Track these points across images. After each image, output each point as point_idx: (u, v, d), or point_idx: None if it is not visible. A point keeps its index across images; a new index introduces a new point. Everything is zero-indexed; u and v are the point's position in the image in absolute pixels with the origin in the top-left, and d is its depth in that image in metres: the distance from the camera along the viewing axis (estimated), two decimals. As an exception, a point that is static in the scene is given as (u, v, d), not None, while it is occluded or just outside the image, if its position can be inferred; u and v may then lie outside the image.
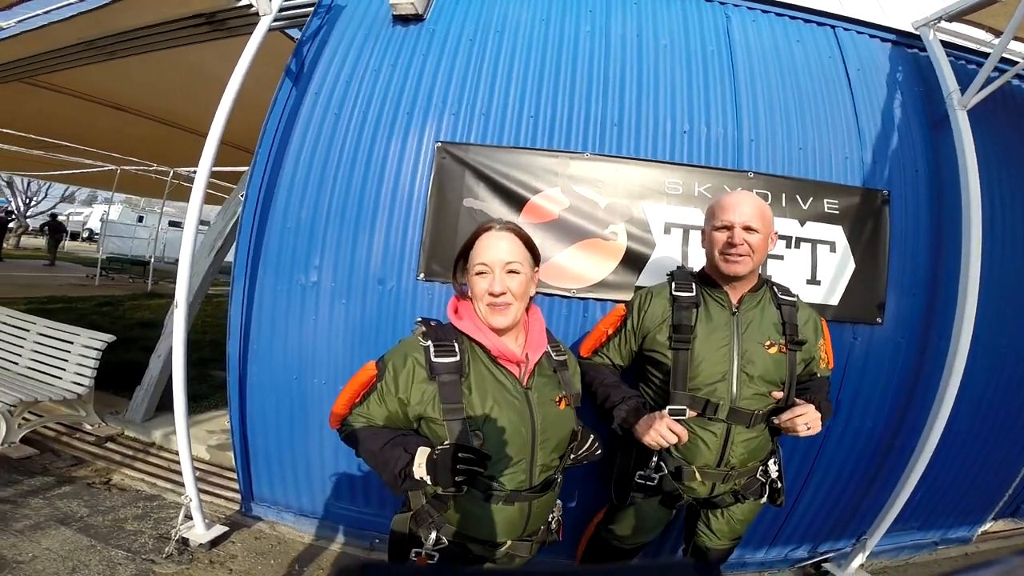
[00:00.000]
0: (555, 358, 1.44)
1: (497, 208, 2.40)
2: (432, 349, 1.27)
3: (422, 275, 2.41)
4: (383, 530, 2.53)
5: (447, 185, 2.43)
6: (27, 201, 23.60)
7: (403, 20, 2.73)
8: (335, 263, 2.49)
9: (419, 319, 1.35)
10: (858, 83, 2.70)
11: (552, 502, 1.43)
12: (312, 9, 2.87)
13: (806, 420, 1.55)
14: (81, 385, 3.44)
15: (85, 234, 24.73)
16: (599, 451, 1.48)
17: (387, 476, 1.22)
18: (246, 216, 2.60)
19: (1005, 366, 2.68)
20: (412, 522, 1.34)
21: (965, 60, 2.84)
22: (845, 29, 2.84)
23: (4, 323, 3.84)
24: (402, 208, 2.48)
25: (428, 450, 1.19)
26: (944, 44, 2.68)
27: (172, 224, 18.98)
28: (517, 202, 2.39)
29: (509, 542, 1.34)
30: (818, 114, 2.61)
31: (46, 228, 15.68)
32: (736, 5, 2.84)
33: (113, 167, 9.69)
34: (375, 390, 1.30)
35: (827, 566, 2.69)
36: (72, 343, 3.58)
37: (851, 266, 2.42)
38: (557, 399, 1.35)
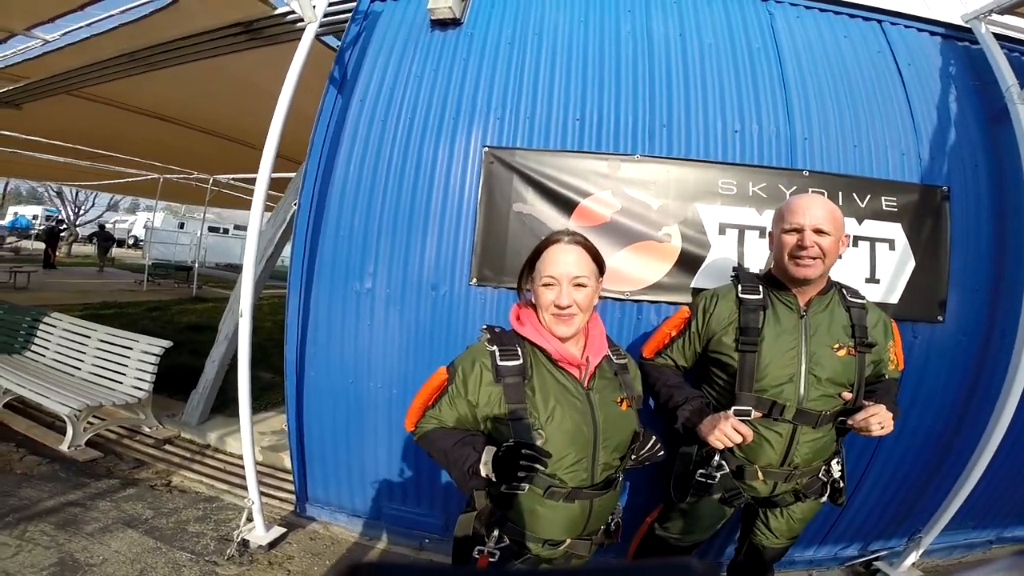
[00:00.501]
0: (616, 362, 1.43)
1: (547, 212, 2.34)
2: (498, 354, 1.29)
3: (474, 280, 2.36)
4: (432, 530, 2.56)
5: (496, 190, 2.37)
6: (76, 210, 24.31)
7: (441, 25, 2.67)
8: (388, 269, 2.46)
9: (485, 326, 1.38)
10: (910, 77, 2.56)
11: (613, 502, 1.41)
12: (350, 16, 2.83)
13: (879, 420, 1.50)
14: (141, 389, 3.50)
15: (131, 241, 25.37)
16: (661, 452, 1.44)
17: (456, 474, 1.25)
18: (299, 225, 2.58)
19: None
20: (476, 521, 1.34)
21: (1020, 52, 2.67)
22: (892, 23, 2.70)
23: (68, 330, 3.92)
24: (452, 214, 2.43)
25: (494, 449, 1.20)
26: (996, 37, 2.52)
27: (211, 230, 19.32)
28: (567, 206, 2.33)
29: (569, 540, 1.33)
30: (871, 110, 2.48)
31: (95, 237, 16.08)
32: (779, 2, 2.71)
33: (156, 176, 9.86)
34: (446, 393, 1.33)
35: (878, 564, 2.58)
36: (131, 348, 3.65)
37: (911, 264, 2.30)
38: (619, 400, 1.36)
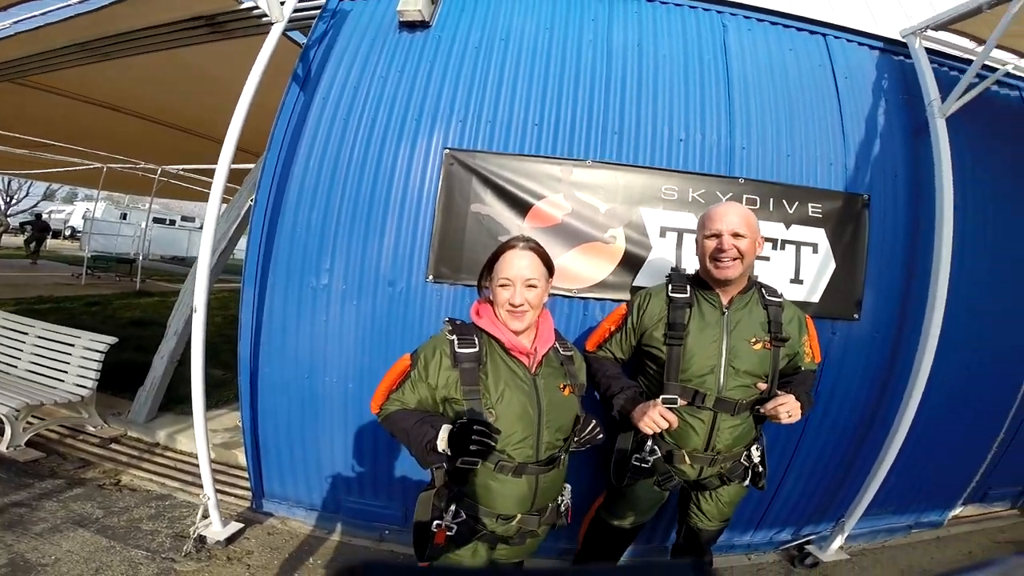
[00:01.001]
0: (562, 353, 1.64)
1: (503, 213, 2.51)
2: (456, 341, 1.49)
3: (431, 277, 2.51)
4: (392, 521, 2.69)
5: (455, 191, 2.53)
6: (8, 200, 23.03)
7: (409, 26, 2.79)
8: (346, 266, 2.57)
9: (447, 319, 1.57)
10: (845, 90, 2.83)
11: (558, 481, 1.60)
12: (317, 13, 2.93)
13: (787, 408, 1.71)
14: (85, 387, 3.47)
15: (67, 232, 24.17)
16: (600, 435, 1.62)
17: (416, 449, 1.42)
18: (256, 220, 2.66)
19: (972, 361, 2.87)
20: (435, 497, 1.51)
21: (949, 67, 2.97)
22: (836, 37, 2.96)
23: (2, 326, 3.81)
24: (411, 212, 2.56)
25: (450, 426, 1.37)
26: (930, 52, 2.80)
27: (157, 221, 18.65)
28: (522, 208, 2.50)
29: (519, 515, 1.51)
30: (806, 121, 2.75)
31: (29, 227, 15.29)
32: (733, 14, 2.94)
33: (99, 165, 9.52)
34: (409, 378, 1.51)
35: (809, 548, 2.83)
36: (73, 345, 3.59)
37: (832, 266, 2.58)
38: (562, 386, 1.56)
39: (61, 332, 3.67)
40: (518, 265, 1.49)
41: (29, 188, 23.33)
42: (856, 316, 2.61)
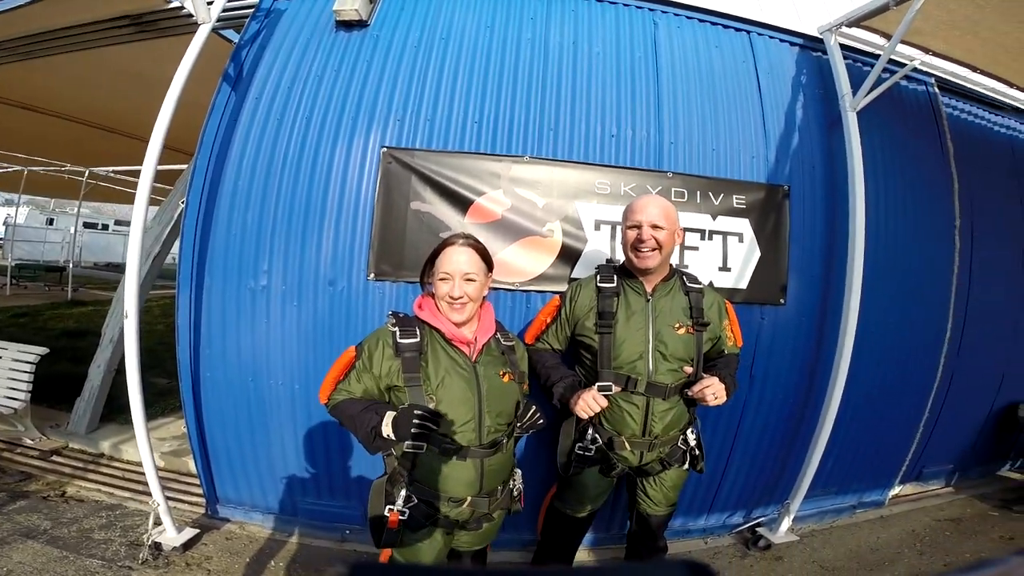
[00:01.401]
0: (503, 343, 1.76)
1: (443, 210, 2.61)
2: (398, 332, 1.60)
3: (372, 275, 2.59)
4: (353, 521, 2.76)
5: (394, 189, 2.61)
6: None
7: (346, 26, 2.83)
8: (284, 267, 2.62)
9: (390, 312, 1.69)
10: (767, 86, 3.04)
11: (505, 464, 1.71)
12: (251, 12, 2.93)
13: (712, 391, 1.84)
14: (16, 400, 3.40)
15: (-14, 239, 22.71)
16: (541, 420, 1.74)
17: (361, 435, 1.53)
18: (188, 223, 2.67)
19: (896, 340, 3.14)
20: (388, 483, 1.62)
21: (863, 63, 3.22)
22: (759, 34, 3.16)
23: (-80, 341, 3.68)
24: (349, 211, 2.63)
25: (394, 413, 1.48)
26: (845, 48, 3.03)
27: (87, 226, 17.80)
28: (463, 204, 2.61)
29: (469, 498, 1.62)
30: (730, 116, 2.95)
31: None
32: (664, 12, 3.10)
33: (19, 168, 9.06)
34: (354, 369, 1.62)
35: (760, 530, 2.98)
36: (1, 357, 3.50)
37: (757, 254, 2.79)
38: (502, 373, 1.68)
39: (-15, 345, 3.58)
40: (457, 260, 1.62)
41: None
42: (782, 301, 2.84)
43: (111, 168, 9.28)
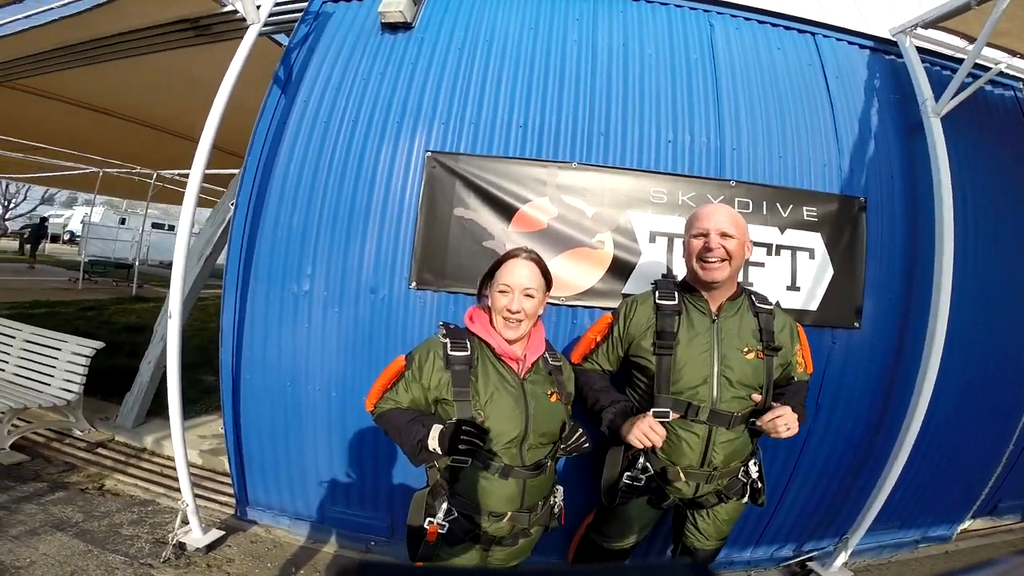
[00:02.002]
0: (551, 362, 1.70)
1: (487, 218, 2.48)
2: (449, 344, 1.56)
3: (414, 283, 2.48)
4: (378, 533, 2.66)
5: (438, 195, 2.50)
6: (6, 204, 23.32)
7: (391, 28, 2.79)
8: (327, 272, 2.56)
9: (441, 322, 1.66)
10: (837, 90, 2.80)
11: (546, 483, 1.65)
12: (300, 16, 2.93)
13: (785, 421, 1.65)
14: (71, 391, 3.48)
15: (66, 236, 24.46)
16: (587, 443, 1.65)
17: (408, 447, 1.49)
18: (236, 225, 2.66)
19: (981, 367, 2.80)
20: (429, 496, 1.58)
21: (940, 67, 2.94)
22: (824, 36, 2.94)
23: (-9, 330, 3.85)
24: (393, 217, 2.54)
25: (440, 427, 1.45)
26: (920, 51, 2.77)
27: (155, 226, 18.81)
28: (507, 212, 2.48)
29: (510, 513, 1.57)
30: (798, 122, 2.71)
31: (27, 230, 15.46)
32: (720, 13, 2.92)
33: (95, 169, 9.61)
34: (403, 378, 1.59)
35: (812, 565, 2.76)
36: (60, 349, 3.61)
37: (829, 272, 2.52)
38: (549, 392, 1.62)
39: (48, 336, 3.70)
40: (519, 274, 1.57)
41: (27, 192, 23.61)
42: (856, 324, 2.55)
43: (176, 171, 9.72)
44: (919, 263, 2.64)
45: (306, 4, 2.93)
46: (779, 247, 2.49)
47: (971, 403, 2.83)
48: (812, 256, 2.51)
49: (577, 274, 2.45)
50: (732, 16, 2.93)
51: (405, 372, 1.59)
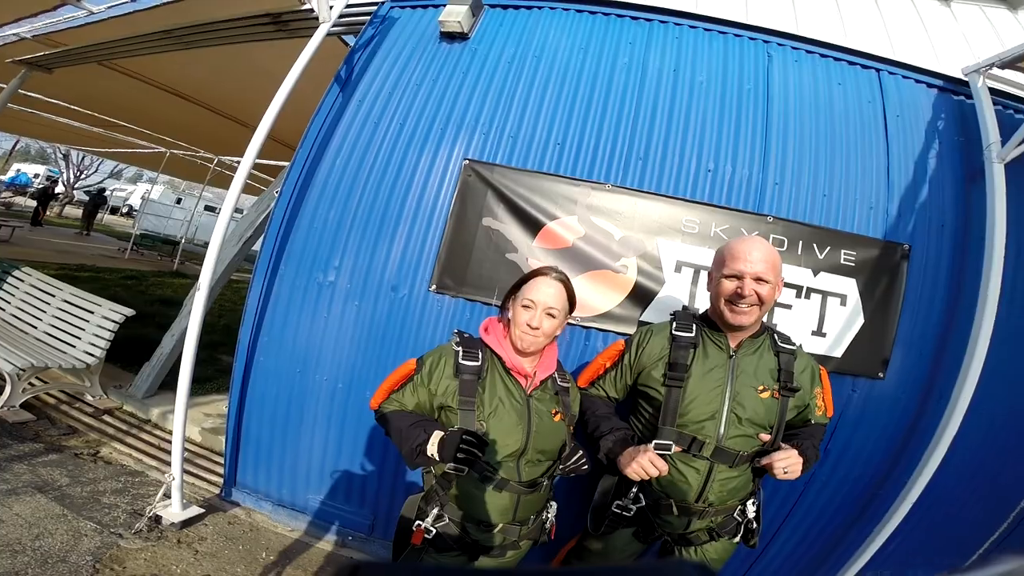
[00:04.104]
0: (559, 383, 1.68)
1: (514, 231, 2.46)
2: (461, 353, 1.56)
3: (434, 287, 2.48)
4: (358, 528, 2.64)
5: (469, 202, 2.51)
6: (78, 174, 24.57)
7: (449, 37, 2.86)
8: (354, 265, 2.58)
9: (456, 331, 1.65)
10: (895, 130, 2.67)
11: (540, 500, 1.64)
12: (368, 19, 3.03)
13: (784, 464, 1.55)
14: (92, 356, 3.52)
15: (125, 209, 25.60)
16: (585, 465, 1.62)
17: (405, 450, 1.48)
18: (277, 211, 2.72)
19: (999, 434, 2.55)
20: (422, 500, 1.59)
21: (1014, 110, 2.75)
22: (890, 73, 2.81)
23: (34, 286, 3.95)
24: (424, 220, 2.56)
25: (442, 433, 1.44)
26: (995, 92, 2.59)
27: (208, 209, 19.50)
28: (534, 226, 2.45)
29: (501, 524, 1.56)
30: (848, 160, 2.59)
31: (90, 199, 16.19)
32: (780, 44, 2.84)
33: (163, 149, 10.05)
34: (411, 381, 1.59)
35: None
36: (92, 312, 3.66)
37: (860, 321, 2.38)
38: (553, 412, 1.61)
39: (84, 298, 3.76)
40: (545, 292, 1.56)
41: (99, 166, 24.84)
42: (881, 375, 2.39)
43: (236, 158, 10.11)
44: (958, 318, 2.44)
45: (375, 8, 3.02)
46: (810, 290, 2.37)
47: (983, 467, 2.57)
48: (844, 303, 2.38)
49: (596, 296, 2.39)
50: (793, 48, 2.85)
51: (414, 376, 1.58)
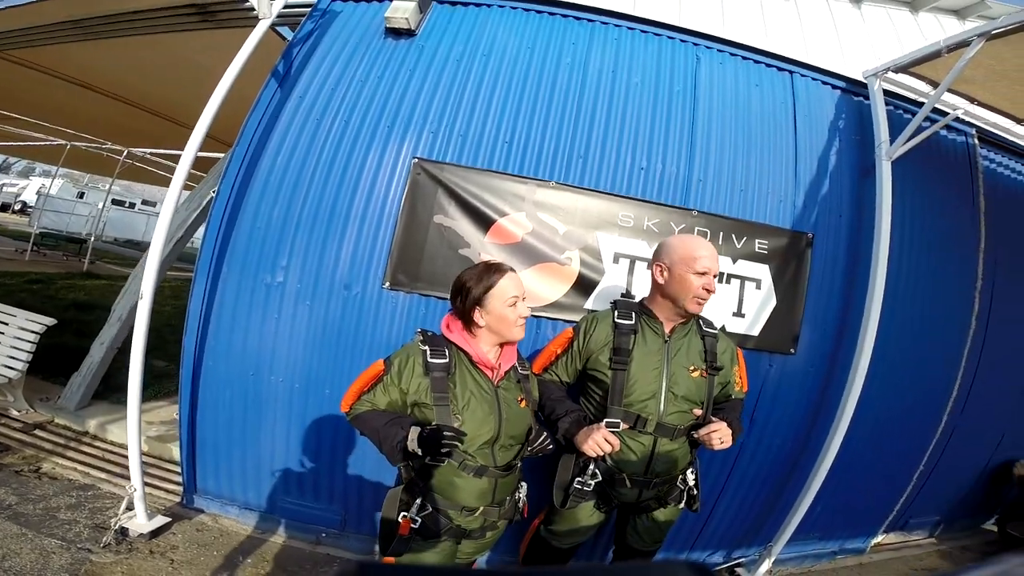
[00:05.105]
0: (520, 372, 1.80)
1: (465, 227, 2.56)
2: (428, 352, 1.61)
3: (387, 284, 2.53)
4: (331, 525, 2.68)
5: (420, 201, 2.57)
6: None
7: (395, 33, 2.84)
8: (303, 265, 2.57)
9: (419, 329, 1.70)
10: (803, 128, 2.96)
11: (514, 481, 1.77)
12: (307, 11, 2.95)
13: (719, 435, 1.79)
14: (13, 369, 3.29)
15: (17, 206, 22.86)
16: (550, 445, 1.78)
17: (386, 448, 1.54)
18: (216, 210, 2.64)
19: (899, 398, 3.01)
20: (404, 492, 1.64)
21: (904, 110, 3.12)
22: (801, 75, 3.08)
23: (-72, 299, 3.58)
24: (374, 218, 2.59)
25: (419, 429, 1.51)
26: (890, 94, 2.92)
27: (115, 203, 17.89)
28: (485, 223, 2.56)
29: (482, 507, 1.66)
30: (762, 158, 2.87)
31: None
32: (708, 47, 3.05)
33: (63, 142, 9.12)
34: (381, 382, 1.63)
35: (739, 571, 2.90)
36: (7, 324, 3.39)
37: (773, 303, 2.70)
38: (519, 399, 1.73)
39: (-3, 310, 3.46)
40: (516, 284, 1.66)
41: (-20, 159, 22.04)
42: (792, 350, 2.74)
43: (149, 149, 9.40)
44: (854, 298, 2.82)
45: (315, 1, 2.96)
46: (730, 276, 2.66)
47: (888, 426, 3.03)
48: (759, 287, 2.69)
49: (544, 287, 2.55)
50: (719, 51, 3.05)
51: (383, 376, 1.63)
